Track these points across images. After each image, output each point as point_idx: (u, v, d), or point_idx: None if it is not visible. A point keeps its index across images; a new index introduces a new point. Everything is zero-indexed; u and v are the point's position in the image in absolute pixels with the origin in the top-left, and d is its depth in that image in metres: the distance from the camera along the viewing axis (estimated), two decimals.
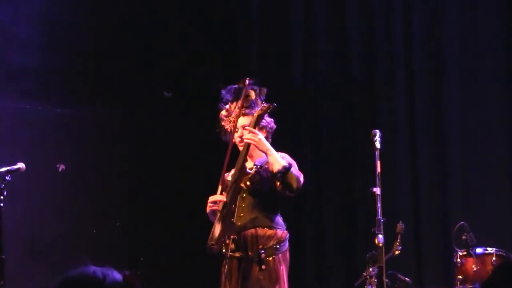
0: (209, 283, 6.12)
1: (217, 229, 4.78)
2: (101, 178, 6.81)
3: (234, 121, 5.01)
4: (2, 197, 4.89)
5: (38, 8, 6.59)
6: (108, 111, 6.90)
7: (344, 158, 6.93)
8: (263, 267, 4.80)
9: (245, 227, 4.88)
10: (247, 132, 4.94)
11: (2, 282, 4.86)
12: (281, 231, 4.93)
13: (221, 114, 5.11)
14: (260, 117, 4.95)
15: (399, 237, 5.10)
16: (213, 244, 4.76)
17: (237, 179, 4.87)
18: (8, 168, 5.00)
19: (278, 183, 4.86)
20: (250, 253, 4.83)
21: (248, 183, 4.92)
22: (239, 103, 5.02)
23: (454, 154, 6.55)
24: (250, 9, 7.36)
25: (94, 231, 6.67)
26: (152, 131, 7.08)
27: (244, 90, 5.02)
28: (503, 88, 6.53)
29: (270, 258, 4.83)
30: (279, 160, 4.82)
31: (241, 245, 4.85)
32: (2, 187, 4.90)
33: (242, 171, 4.90)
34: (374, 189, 4.73)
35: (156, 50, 7.12)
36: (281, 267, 4.88)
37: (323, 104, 7.07)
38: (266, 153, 4.86)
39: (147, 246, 6.88)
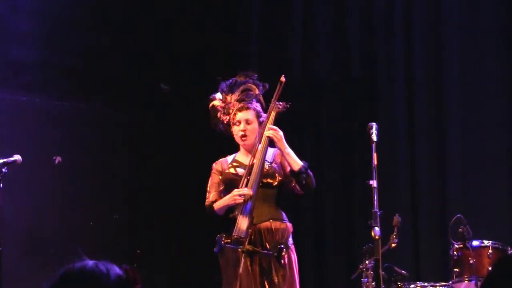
0: (205, 276, 6.14)
1: (243, 222, 4.84)
2: (99, 171, 6.81)
3: (234, 113, 5.05)
4: None
5: (37, 3, 6.58)
6: (106, 105, 6.89)
7: (343, 154, 6.95)
8: (282, 262, 4.89)
9: (260, 220, 4.93)
10: (249, 126, 5.03)
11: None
12: (289, 224, 5.05)
13: (215, 105, 5.13)
14: (278, 115, 5.04)
15: (395, 229, 5.10)
16: (241, 237, 4.80)
17: (260, 172, 4.94)
18: (5, 160, 5.00)
19: (292, 181, 4.98)
20: (267, 247, 4.88)
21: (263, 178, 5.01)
22: (236, 95, 5.08)
23: (453, 148, 6.55)
24: (250, 8, 7.36)
25: (91, 223, 6.67)
26: (150, 125, 7.08)
27: (241, 83, 5.09)
28: (503, 86, 6.52)
29: (286, 253, 4.92)
30: (296, 159, 4.97)
31: (256, 238, 4.90)
32: None
33: (264, 165, 4.98)
34: (371, 182, 4.74)
35: (156, 48, 7.12)
36: (293, 258, 4.99)
37: (322, 103, 7.08)
38: (284, 151, 4.96)
39: (144, 239, 6.88)
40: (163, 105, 7.13)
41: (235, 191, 4.91)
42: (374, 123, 4.92)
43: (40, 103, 6.61)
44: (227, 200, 4.96)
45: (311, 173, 4.98)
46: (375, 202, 4.67)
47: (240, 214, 4.86)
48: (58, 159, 6.56)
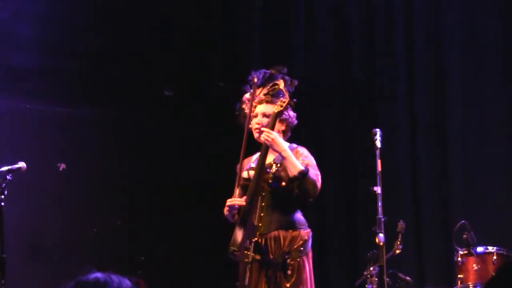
0: (210, 282, 6.13)
1: (238, 234, 4.60)
2: (101, 177, 6.81)
3: (254, 105, 4.80)
4: (3, 196, 4.89)
5: (38, 8, 6.59)
6: (108, 111, 6.89)
7: (345, 157, 6.94)
8: (289, 272, 4.63)
9: (268, 229, 4.70)
10: (266, 120, 4.76)
11: (3, 281, 4.86)
12: (304, 231, 4.78)
13: (245, 97, 4.89)
14: (279, 114, 4.76)
15: (400, 236, 5.10)
16: (235, 250, 4.57)
17: (257, 178, 4.68)
18: (9, 167, 4.99)
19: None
20: (272, 257, 4.65)
21: (269, 181, 4.73)
22: (266, 89, 4.84)
23: (455, 153, 6.55)
24: (251, 8, 7.37)
25: (95, 230, 6.66)
26: (152, 130, 7.08)
27: (272, 78, 4.85)
28: (503, 87, 6.52)
29: (295, 262, 4.67)
30: (295, 163, 4.66)
31: (263, 248, 4.66)
32: (3, 186, 4.90)
33: (263, 170, 4.71)
34: (375, 188, 4.71)
35: (156, 49, 7.12)
36: (306, 269, 4.72)
37: (323, 104, 7.08)
38: (281, 155, 4.66)
39: (148, 245, 6.87)
40: (165, 109, 7.13)
41: (228, 202, 4.71)
42: (378, 130, 4.87)
43: (42, 109, 6.61)
44: (224, 210, 4.78)
45: (313, 178, 4.67)
46: (379, 209, 4.65)
47: (237, 225, 4.63)
48: (62, 166, 6.56)
